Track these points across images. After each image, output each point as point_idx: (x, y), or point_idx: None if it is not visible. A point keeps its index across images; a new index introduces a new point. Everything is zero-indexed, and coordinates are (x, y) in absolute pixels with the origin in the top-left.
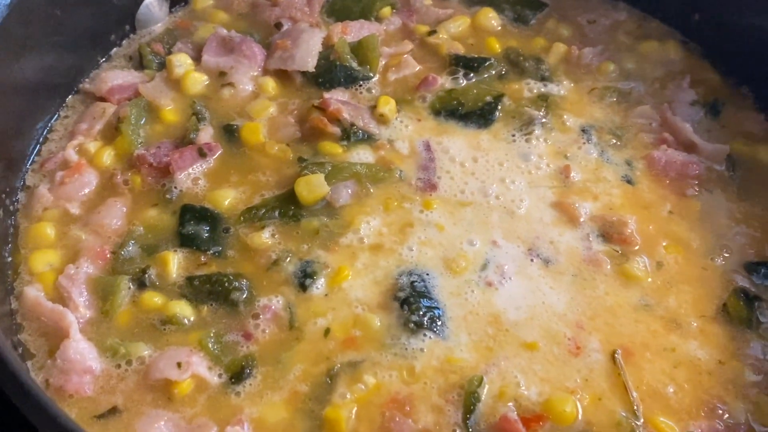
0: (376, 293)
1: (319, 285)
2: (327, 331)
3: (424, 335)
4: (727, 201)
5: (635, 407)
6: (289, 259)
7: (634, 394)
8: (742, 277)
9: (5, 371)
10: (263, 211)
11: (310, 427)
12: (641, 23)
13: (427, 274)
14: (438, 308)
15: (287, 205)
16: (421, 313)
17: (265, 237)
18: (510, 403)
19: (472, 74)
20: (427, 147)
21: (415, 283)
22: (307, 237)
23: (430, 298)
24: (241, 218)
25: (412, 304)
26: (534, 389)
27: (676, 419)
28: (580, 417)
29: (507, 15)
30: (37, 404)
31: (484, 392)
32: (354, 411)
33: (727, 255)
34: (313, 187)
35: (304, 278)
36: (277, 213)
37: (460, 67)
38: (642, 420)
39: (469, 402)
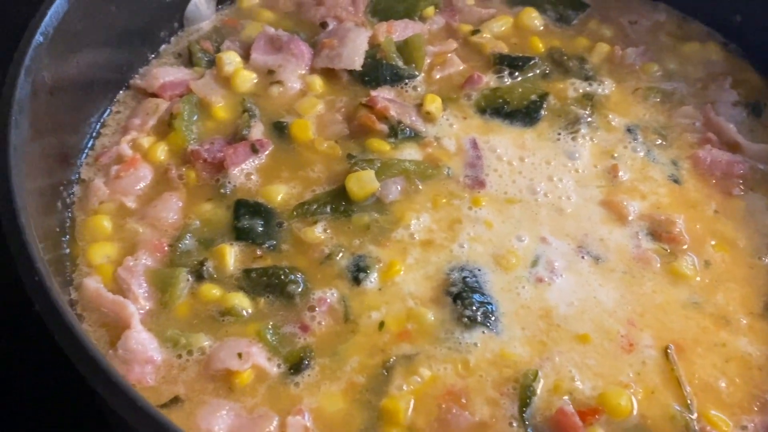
0: (428, 288)
1: (372, 279)
2: (381, 324)
3: (478, 330)
4: None
5: (689, 401)
6: (341, 253)
7: (688, 388)
8: None
9: (96, 366)
10: (315, 206)
11: (369, 418)
12: (681, 24)
13: (479, 270)
14: (491, 303)
15: (338, 201)
16: (474, 308)
17: (317, 232)
18: (565, 397)
19: (516, 73)
20: (474, 145)
21: (467, 279)
22: (359, 232)
23: (483, 294)
24: (294, 213)
25: (465, 299)
26: (588, 383)
27: (729, 413)
28: (635, 411)
29: (549, 15)
30: (120, 392)
31: (539, 386)
32: (411, 402)
33: None
34: (363, 183)
35: (357, 272)
36: (328, 208)
37: (504, 66)
38: (696, 414)
39: (524, 395)
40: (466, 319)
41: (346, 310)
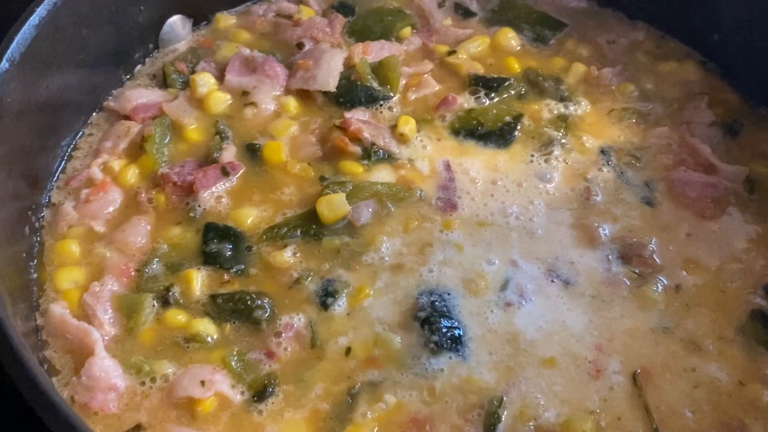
0: (396, 313)
1: (341, 303)
2: (348, 350)
3: (445, 356)
4: (745, 223)
5: (654, 427)
6: (310, 277)
7: (654, 415)
8: (760, 299)
9: (35, 389)
10: (285, 229)
11: None
12: (660, 43)
13: (448, 294)
14: (458, 328)
15: (309, 224)
16: (442, 333)
17: (287, 256)
18: (530, 423)
19: (492, 94)
20: (447, 167)
21: (436, 303)
22: (329, 256)
23: (451, 318)
24: (264, 237)
25: (432, 324)
26: (554, 410)
27: None
28: None
29: (526, 35)
30: (67, 423)
31: (504, 413)
32: (375, 430)
33: (744, 277)
34: (334, 206)
35: (325, 297)
36: (299, 231)
37: (480, 87)
38: None
39: (489, 422)
40: (433, 344)
41: (313, 336)
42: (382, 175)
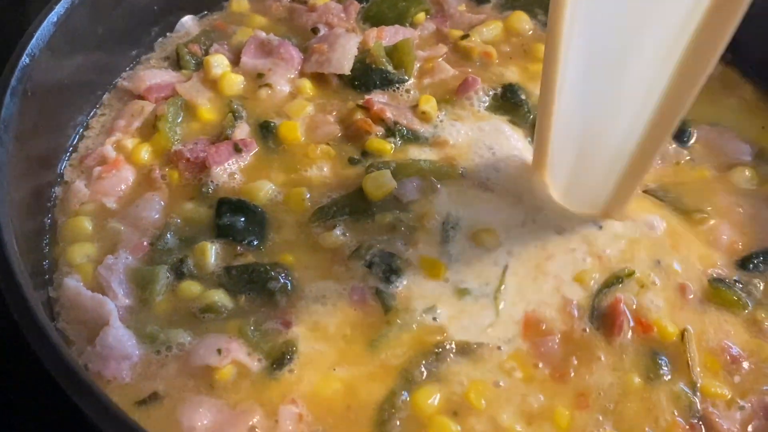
0: None
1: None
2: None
3: None
4: None
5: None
6: (372, 249)
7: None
8: None
9: (54, 354)
10: (334, 209)
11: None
12: None
13: None
14: None
15: (355, 203)
16: None
17: (336, 234)
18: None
19: None
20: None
21: None
22: (383, 231)
23: None
24: (313, 218)
25: None
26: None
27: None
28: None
29: (540, 19)
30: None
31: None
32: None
33: None
34: (380, 182)
35: (390, 272)
36: (347, 210)
37: None
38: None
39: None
40: None
41: (384, 302)
42: (417, 153)
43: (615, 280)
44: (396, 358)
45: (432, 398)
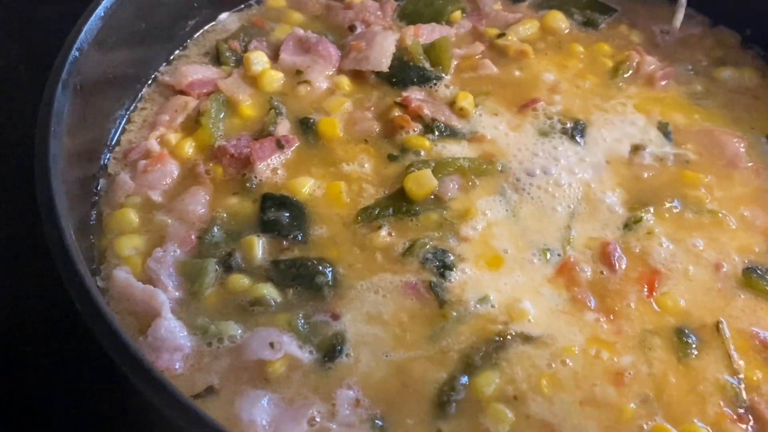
0: None
1: (457, 273)
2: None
3: None
4: None
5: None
6: (425, 246)
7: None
8: None
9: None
10: (378, 210)
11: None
12: (719, 39)
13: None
14: None
15: (399, 202)
16: None
17: (383, 234)
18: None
19: None
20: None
21: None
22: (429, 229)
23: None
24: (358, 218)
25: None
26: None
27: None
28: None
29: (576, 19)
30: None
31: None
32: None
33: None
34: (422, 182)
35: (443, 268)
36: (390, 210)
37: None
38: None
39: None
40: None
41: (438, 296)
42: (455, 149)
43: None
44: (457, 345)
45: (491, 383)
